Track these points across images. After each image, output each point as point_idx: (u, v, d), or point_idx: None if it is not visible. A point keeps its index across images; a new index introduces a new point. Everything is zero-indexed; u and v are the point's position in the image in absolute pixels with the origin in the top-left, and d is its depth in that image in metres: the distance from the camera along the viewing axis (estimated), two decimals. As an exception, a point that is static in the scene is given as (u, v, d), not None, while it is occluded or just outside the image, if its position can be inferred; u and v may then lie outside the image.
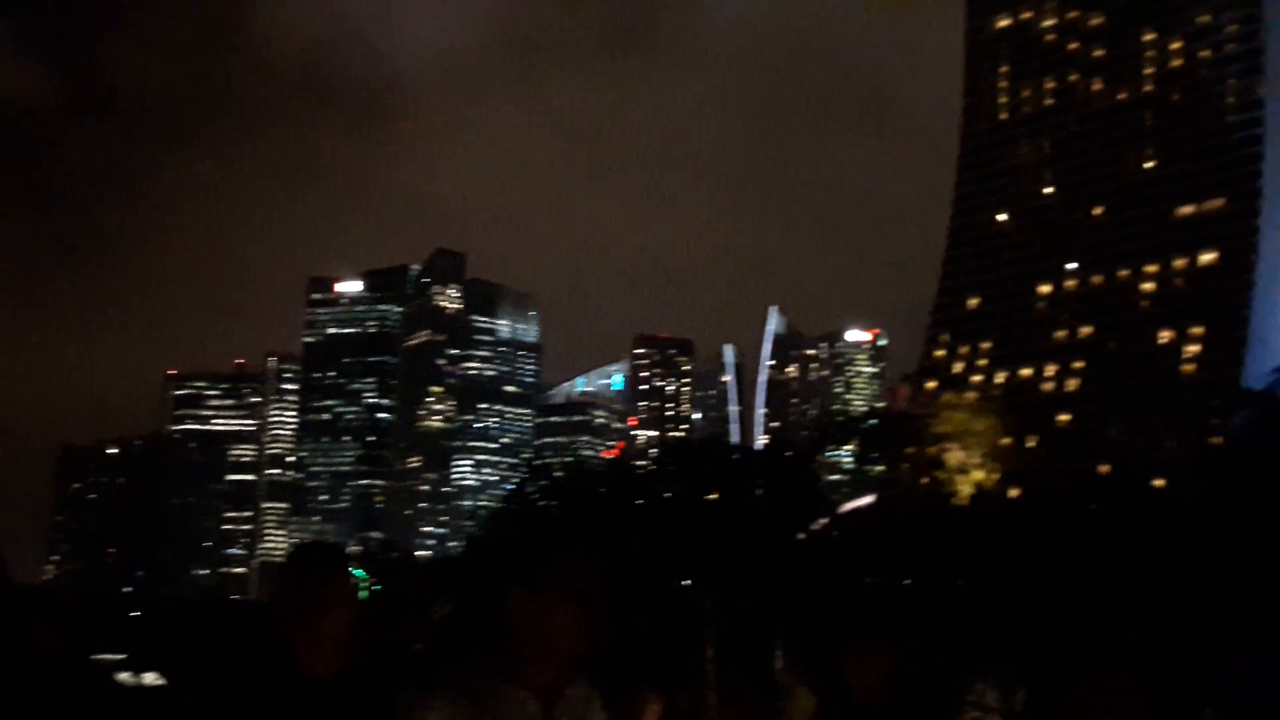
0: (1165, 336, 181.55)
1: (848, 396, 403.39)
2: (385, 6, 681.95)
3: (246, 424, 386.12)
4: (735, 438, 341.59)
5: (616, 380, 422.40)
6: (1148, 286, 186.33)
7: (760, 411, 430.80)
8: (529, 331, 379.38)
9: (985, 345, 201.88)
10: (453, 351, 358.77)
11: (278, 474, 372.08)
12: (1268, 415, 73.43)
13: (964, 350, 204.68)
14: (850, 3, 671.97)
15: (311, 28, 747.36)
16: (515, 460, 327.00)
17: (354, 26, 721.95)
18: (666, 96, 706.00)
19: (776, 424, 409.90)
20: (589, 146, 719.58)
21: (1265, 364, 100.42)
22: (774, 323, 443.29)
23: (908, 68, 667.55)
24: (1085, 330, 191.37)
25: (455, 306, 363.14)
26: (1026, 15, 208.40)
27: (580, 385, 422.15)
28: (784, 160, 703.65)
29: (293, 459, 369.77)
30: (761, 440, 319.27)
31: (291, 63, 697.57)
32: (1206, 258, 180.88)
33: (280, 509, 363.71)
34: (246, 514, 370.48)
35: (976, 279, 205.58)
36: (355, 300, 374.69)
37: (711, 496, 72.98)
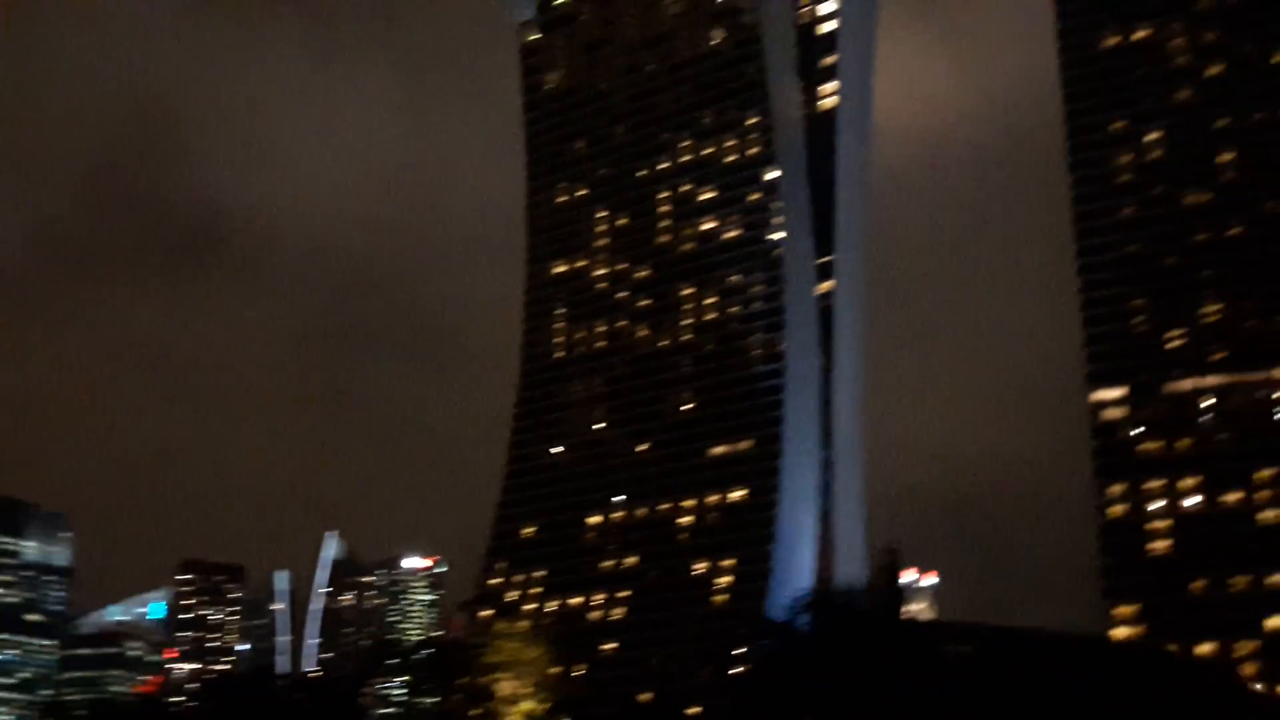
0: (700, 567, 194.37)
1: (404, 625, 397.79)
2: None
3: None
4: (284, 669, 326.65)
5: (156, 608, 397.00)
6: (685, 520, 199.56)
7: (312, 641, 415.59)
8: (60, 555, 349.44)
9: (539, 573, 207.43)
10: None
11: None
12: (787, 644, 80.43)
13: (519, 578, 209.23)
14: (418, 246, 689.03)
15: None
16: (35, 699, 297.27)
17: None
18: (227, 315, 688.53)
19: (329, 654, 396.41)
20: (140, 362, 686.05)
21: (788, 595, 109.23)
22: (331, 549, 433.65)
23: (473, 304, 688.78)
24: (630, 560, 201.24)
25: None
26: (581, 263, 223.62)
27: (114, 614, 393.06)
28: (345, 387, 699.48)
29: None
30: (312, 673, 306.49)
31: None
32: (737, 494, 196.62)
33: None
34: None
35: (532, 508, 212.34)
36: None
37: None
